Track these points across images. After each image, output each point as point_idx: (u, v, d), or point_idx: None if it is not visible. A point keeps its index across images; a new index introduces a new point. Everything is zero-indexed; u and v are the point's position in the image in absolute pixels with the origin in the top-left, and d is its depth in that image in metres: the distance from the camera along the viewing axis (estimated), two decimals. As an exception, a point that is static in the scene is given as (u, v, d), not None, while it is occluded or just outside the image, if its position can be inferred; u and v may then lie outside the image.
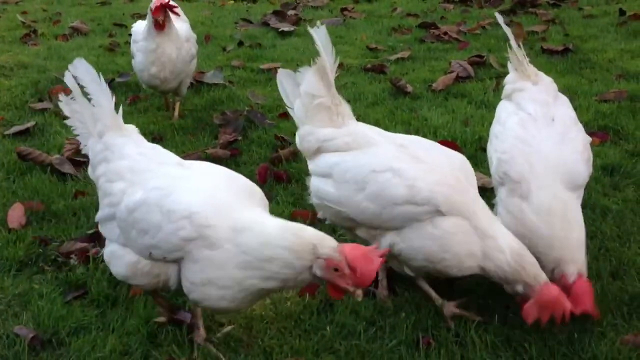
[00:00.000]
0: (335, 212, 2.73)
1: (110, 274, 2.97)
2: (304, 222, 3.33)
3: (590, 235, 3.16)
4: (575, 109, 4.80)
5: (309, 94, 2.79)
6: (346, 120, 2.82)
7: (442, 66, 6.16)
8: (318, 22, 7.45)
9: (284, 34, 7.57)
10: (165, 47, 4.65)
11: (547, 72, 5.72)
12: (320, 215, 2.87)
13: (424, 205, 2.53)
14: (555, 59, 6.16)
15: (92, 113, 2.59)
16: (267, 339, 2.59)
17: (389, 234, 2.61)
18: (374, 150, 2.68)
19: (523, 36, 6.89)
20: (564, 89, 5.23)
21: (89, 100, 2.60)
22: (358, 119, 4.75)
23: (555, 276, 2.57)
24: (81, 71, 2.60)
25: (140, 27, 4.89)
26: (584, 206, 3.43)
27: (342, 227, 2.89)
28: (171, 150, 4.24)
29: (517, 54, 3.18)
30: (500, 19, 3.35)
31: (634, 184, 3.67)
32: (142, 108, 5.22)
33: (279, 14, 8.54)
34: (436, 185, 2.55)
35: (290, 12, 8.64)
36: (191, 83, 5.80)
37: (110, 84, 5.73)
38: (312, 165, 2.84)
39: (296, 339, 2.59)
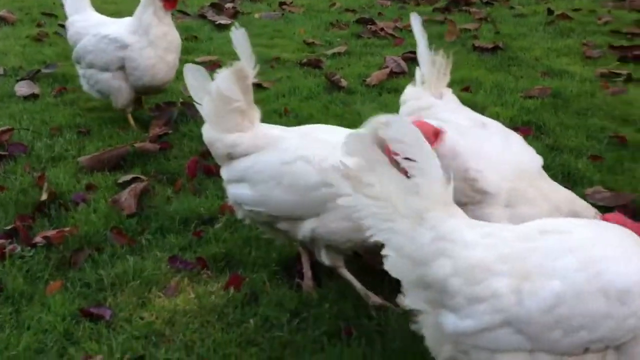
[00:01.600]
0: (255, 213, 2.74)
1: (28, 269, 2.91)
2: (232, 216, 3.38)
3: (509, 226, 3.28)
4: (501, 104, 5.03)
5: (224, 97, 2.67)
6: (254, 123, 2.80)
7: (377, 61, 6.24)
8: (256, 15, 7.36)
9: (220, 27, 7.48)
10: (173, 31, 4.48)
11: (477, 69, 5.95)
12: (239, 216, 2.87)
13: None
14: (485, 56, 6.33)
15: (407, 187, 1.89)
16: (190, 332, 2.57)
17: (309, 221, 2.63)
18: (281, 145, 2.70)
19: (456, 34, 7.06)
20: (492, 86, 5.44)
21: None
22: (292, 113, 4.82)
23: None
24: (397, 130, 1.90)
25: (121, 30, 4.40)
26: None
27: (262, 225, 2.88)
28: (98, 144, 4.22)
29: (436, 66, 2.97)
30: (416, 21, 3.16)
31: (553, 177, 3.79)
32: (69, 100, 5.06)
33: (216, 7, 8.44)
34: None
35: (228, 5, 8.55)
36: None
37: (36, 75, 5.55)
38: (225, 173, 2.83)
39: (219, 332, 2.58)
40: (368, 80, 5.57)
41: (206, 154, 4.08)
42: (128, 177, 3.72)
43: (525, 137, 4.35)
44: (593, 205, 3.46)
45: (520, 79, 5.61)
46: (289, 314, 2.68)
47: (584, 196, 3.56)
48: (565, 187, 3.67)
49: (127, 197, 3.43)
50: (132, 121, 4.56)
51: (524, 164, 2.69)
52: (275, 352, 2.48)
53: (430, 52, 3.00)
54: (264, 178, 2.67)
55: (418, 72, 3.04)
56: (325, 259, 2.71)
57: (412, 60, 6.16)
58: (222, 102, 2.68)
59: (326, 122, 4.53)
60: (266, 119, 4.68)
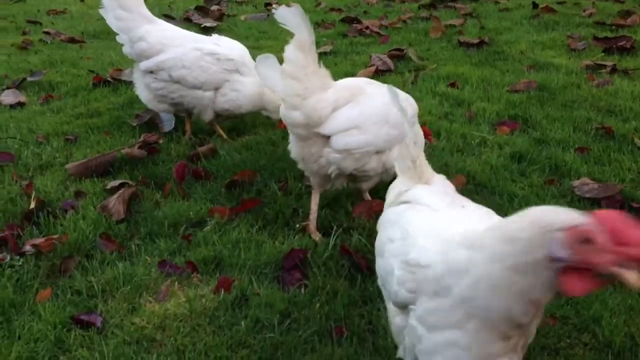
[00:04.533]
0: (365, 154, 3.13)
1: (18, 279, 2.90)
2: (221, 219, 3.39)
3: (497, 220, 3.30)
4: (487, 99, 5.05)
5: (298, 65, 2.92)
6: (329, 81, 3.12)
7: (363, 60, 6.26)
8: (242, 17, 7.40)
9: (206, 30, 7.47)
10: None
11: (463, 65, 5.98)
12: (329, 170, 3.16)
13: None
14: (471, 52, 6.36)
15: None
16: (181, 337, 2.57)
17: (395, 151, 3.12)
18: (370, 91, 3.19)
19: (442, 30, 7.09)
20: (478, 81, 5.46)
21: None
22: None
23: None
24: None
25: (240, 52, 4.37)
26: (492, 192, 3.62)
27: (345, 173, 3.20)
28: (85, 151, 4.21)
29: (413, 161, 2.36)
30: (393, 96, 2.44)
31: (540, 170, 3.84)
32: (55, 108, 5.06)
33: (202, 10, 8.45)
34: None
35: (214, 8, 8.56)
36: (108, 81, 5.69)
37: (21, 83, 5.53)
38: (328, 129, 3.06)
39: (210, 335, 2.58)
40: (355, 78, 5.58)
41: (194, 157, 4.10)
42: (116, 182, 3.71)
43: (512, 131, 4.43)
44: (580, 197, 3.51)
45: (506, 73, 5.63)
46: (279, 315, 2.69)
47: (571, 188, 3.59)
48: (552, 179, 3.72)
49: (115, 203, 3.42)
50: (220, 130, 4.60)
51: None
52: (267, 353, 2.49)
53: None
54: (375, 121, 3.11)
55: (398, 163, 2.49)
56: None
57: (397, 57, 6.21)
58: (298, 68, 2.93)
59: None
60: (256, 122, 4.71)
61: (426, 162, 2.41)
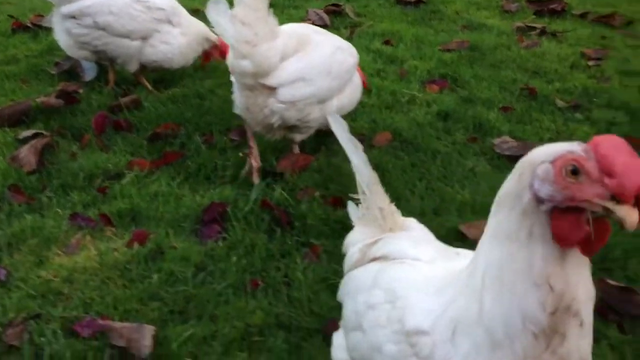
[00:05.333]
0: (306, 106, 3.14)
1: None
2: (141, 172, 3.29)
3: (419, 177, 3.33)
4: (420, 58, 5.05)
5: (250, 6, 2.86)
6: (278, 29, 3.07)
7: (300, 14, 6.12)
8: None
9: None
10: None
11: (399, 22, 5.94)
12: (276, 122, 3.14)
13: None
14: (408, 10, 6.33)
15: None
16: (89, 290, 2.50)
17: (335, 100, 3.26)
18: (316, 42, 3.22)
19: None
20: (412, 39, 5.44)
21: None
22: (212, 68, 4.69)
23: None
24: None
25: None
26: (417, 149, 3.64)
27: (287, 125, 3.20)
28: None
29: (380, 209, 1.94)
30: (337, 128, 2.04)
31: (464, 128, 3.89)
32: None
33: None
34: None
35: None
36: (28, 27, 5.40)
37: None
38: (275, 81, 3.04)
39: (120, 288, 2.52)
40: (289, 33, 5.47)
41: (115, 108, 3.95)
42: (29, 132, 3.54)
43: (441, 90, 4.45)
44: (500, 155, 3.58)
45: (440, 33, 5.64)
46: (194, 269, 2.65)
47: (492, 146, 3.65)
48: (475, 137, 3.77)
49: (26, 154, 3.27)
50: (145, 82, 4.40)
51: None
52: (178, 305, 2.45)
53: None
54: (320, 71, 3.15)
55: (354, 209, 2.12)
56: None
57: (334, 13, 6.11)
58: (249, 12, 2.85)
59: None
60: (184, 74, 4.55)
61: (393, 206, 1.93)
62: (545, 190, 1.24)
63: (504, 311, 1.28)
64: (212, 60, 4.43)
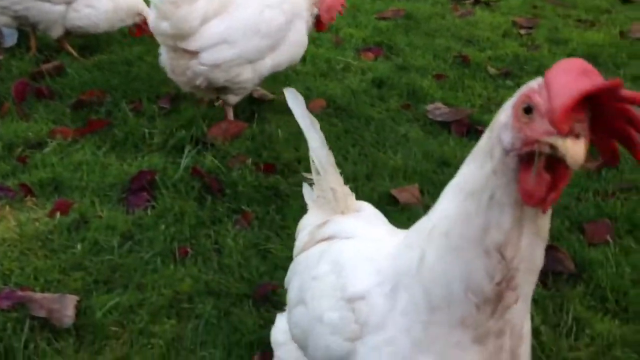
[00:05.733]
0: (233, 67, 3.10)
1: None
2: (64, 140, 3.16)
3: (352, 143, 3.33)
4: (355, 26, 5.03)
5: None
6: None
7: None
8: None
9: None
10: None
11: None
12: (198, 82, 3.11)
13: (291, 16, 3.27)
14: (344, -22, 6.27)
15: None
16: (8, 261, 2.39)
17: (269, 57, 3.20)
18: (238, 3, 3.14)
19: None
20: (349, 7, 5.39)
21: None
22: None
23: None
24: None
25: None
26: (351, 116, 3.63)
27: (215, 85, 3.17)
28: None
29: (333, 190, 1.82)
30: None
31: (398, 95, 3.90)
32: None
33: None
34: None
35: None
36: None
37: None
38: (195, 45, 3.02)
39: (41, 259, 2.42)
40: None
41: (37, 75, 3.76)
42: (-58, 101, 3.34)
43: (376, 57, 4.44)
44: (432, 121, 3.61)
45: (377, 1, 5.62)
46: (120, 237, 2.57)
47: (424, 112, 3.68)
48: (408, 104, 3.79)
49: (-62, 122, 3.08)
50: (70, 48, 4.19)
51: None
52: (103, 275, 2.37)
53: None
54: (245, 32, 3.08)
55: (309, 191, 1.98)
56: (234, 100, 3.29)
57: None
58: None
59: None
60: (112, 40, 4.36)
61: (347, 189, 1.83)
62: (507, 138, 1.08)
63: (446, 273, 1.17)
64: (144, 34, 4.26)
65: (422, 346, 1.20)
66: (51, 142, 3.15)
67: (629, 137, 1.01)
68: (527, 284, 1.18)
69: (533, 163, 1.04)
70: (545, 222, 1.14)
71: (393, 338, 1.23)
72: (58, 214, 2.64)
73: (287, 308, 1.69)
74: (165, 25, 2.93)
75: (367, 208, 1.83)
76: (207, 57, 3.06)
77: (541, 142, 1.02)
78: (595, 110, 1.00)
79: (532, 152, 1.04)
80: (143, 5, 4.11)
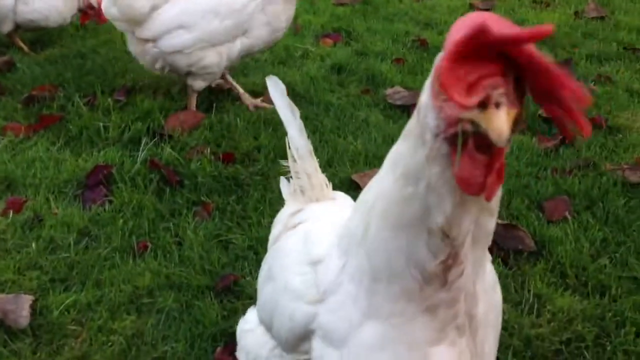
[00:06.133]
0: (195, 52, 3.06)
1: None
2: (16, 137, 3.06)
3: (312, 130, 3.30)
4: (314, 12, 4.99)
5: None
6: None
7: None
8: None
9: None
10: None
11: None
12: (157, 66, 3.15)
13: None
14: (302, -35, 6.22)
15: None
16: (-42, 263, 2.31)
17: (239, 39, 3.13)
18: None
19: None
20: (306, -6, 5.36)
21: None
22: (95, 26, 4.41)
23: None
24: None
25: None
26: (310, 103, 3.60)
27: (184, 75, 3.20)
28: None
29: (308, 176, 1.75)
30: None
31: (357, 81, 3.89)
32: None
33: None
34: None
35: None
36: None
37: None
38: (148, 33, 3.01)
39: (-6, 260, 2.35)
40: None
41: (-13, 70, 3.64)
42: None
43: (335, 44, 4.42)
44: (392, 105, 3.61)
45: (334, -13, 5.58)
46: (77, 234, 2.50)
47: (384, 96, 3.68)
48: (368, 89, 3.78)
49: None
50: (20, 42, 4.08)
51: None
52: (60, 273, 2.31)
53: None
54: (202, 15, 3.02)
55: (286, 185, 1.90)
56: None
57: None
58: None
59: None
60: (63, 34, 4.23)
61: (324, 177, 1.77)
62: (431, 121, 0.95)
63: (387, 249, 1.10)
64: (90, 19, 4.16)
65: (368, 313, 1.15)
66: (2, 139, 3.05)
67: (560, 100, 0.85)
68: (477, 250, 1.10)
69: (463, 147, 0.91)
70: (492, 201, 1.03)
71: (343, 302, 1.19)
72: (11, 213, 2.56)
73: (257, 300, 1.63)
74: (114, 11, 2.94)
75: (342, 197, 1.78)
76: (164, 43, 3.05)
77: (463, 120, 0.88)
78: (522, 72, 0.85)
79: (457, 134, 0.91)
80: None
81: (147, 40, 3.03)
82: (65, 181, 2.81)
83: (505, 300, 2.25)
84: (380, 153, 3.07)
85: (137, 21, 2.95)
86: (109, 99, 3.45)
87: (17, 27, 3.96)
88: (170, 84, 3.61)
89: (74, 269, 2.35)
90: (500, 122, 0.83)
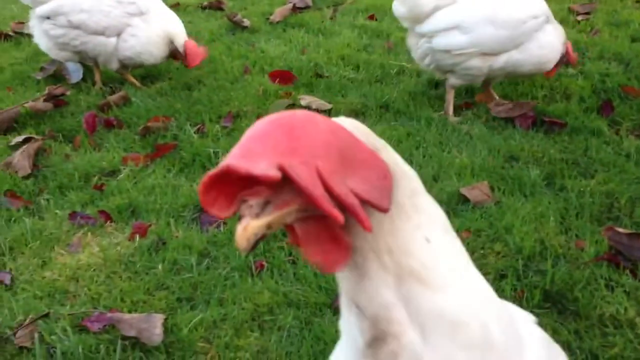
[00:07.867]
0: (463, 54, 3.32)
1: None
2: (136, 166, 3.27)
3: (415, 145, 3.31)
4: (406, 29, 4.99)
5: None
6: None
7: (281, -1, 6.09)
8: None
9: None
10: None
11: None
12: (425, 63, 3.50)
13: (541, 16, 3.35)
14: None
15: None
16: (95, 286, 2.49)
17: (505, 54, 3.31)
18: None
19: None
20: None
21: None
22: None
23: None
24: None
25: None
26: (410, 119, 3.62)
27: (445, 72, 3.51)
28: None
29: None
30: None
31: (457, 94, 3.85)
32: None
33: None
34: None
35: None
36: (10, 35, 5.37)
37: None
38: (424, 29, 3.36)
39: (126, 281, 2.51)
40: (272, 17, 5.43)
41: (104, 107, 3.92)
42: (20, 138, 3.52)
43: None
44: (495, 117, 3.55)
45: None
46: (198, 256, 2.63)
47: (486, 109, 3.62)
48: (469, 102, 3.74)
49: (19, 159, 3.25)
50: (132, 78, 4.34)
51: None
52: (185, 293, 2.44)
53: None
54: (479, 20, 3.26)
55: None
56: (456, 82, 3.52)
57: (316, -7, 6.07)
58: None
59: (231, 64, 4.43)
60: (170, 68, 4.51)
61: None
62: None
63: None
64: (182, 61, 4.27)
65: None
66: (124, 168, 3.26)
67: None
68: (443, 344, 0.97)
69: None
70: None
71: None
72: (137, 237, 2.73)
73: None
74: (402, 10, 3.39)
75: None
76: (438, 41, 3.35)
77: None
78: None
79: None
80: (176, 31, 4.13)
81: (423, 35, 3.38)
82: (183, 205, 2.97)
83: (638, 313, 2.15)
84: (487, 165, 3.03)
85: (420, 19, 3.34)
86: (217, 126, 3.62)
87: (124, 64, 4.22)
88: (272, 109, 3.74)
89: (197, 288, 2.47)
90: (237, 234, 0.85)
